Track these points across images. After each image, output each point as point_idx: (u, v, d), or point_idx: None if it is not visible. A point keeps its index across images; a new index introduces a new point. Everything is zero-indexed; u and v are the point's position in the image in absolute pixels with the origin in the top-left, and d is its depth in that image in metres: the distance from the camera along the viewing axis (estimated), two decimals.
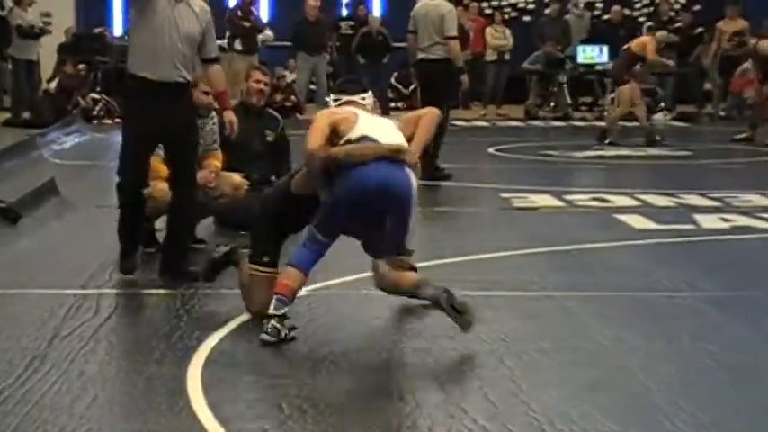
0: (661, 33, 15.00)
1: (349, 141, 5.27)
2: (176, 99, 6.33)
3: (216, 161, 7.43)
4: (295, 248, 5.33)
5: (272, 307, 5.14)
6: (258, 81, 8.32)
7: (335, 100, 5.60)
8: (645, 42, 14.39)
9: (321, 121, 5.37)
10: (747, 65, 15.98)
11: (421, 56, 11.04)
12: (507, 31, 19.18)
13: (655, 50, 14.30)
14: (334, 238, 5.28)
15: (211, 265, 5.96)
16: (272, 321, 5.11)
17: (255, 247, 5.63)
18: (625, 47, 14.64)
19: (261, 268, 5.53)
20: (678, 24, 18.90)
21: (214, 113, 7.53)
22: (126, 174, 6.42)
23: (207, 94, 7.26)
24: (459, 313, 5.13)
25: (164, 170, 7.18)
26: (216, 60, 6.60)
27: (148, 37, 6.23)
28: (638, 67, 14.43)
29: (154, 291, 6.29)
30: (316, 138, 5.28)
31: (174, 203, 6.53)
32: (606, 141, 14.35)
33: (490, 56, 19.12)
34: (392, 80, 20.21)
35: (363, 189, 5.13)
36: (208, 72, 6.63)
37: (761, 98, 14.75)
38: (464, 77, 11.11)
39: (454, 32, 10.95)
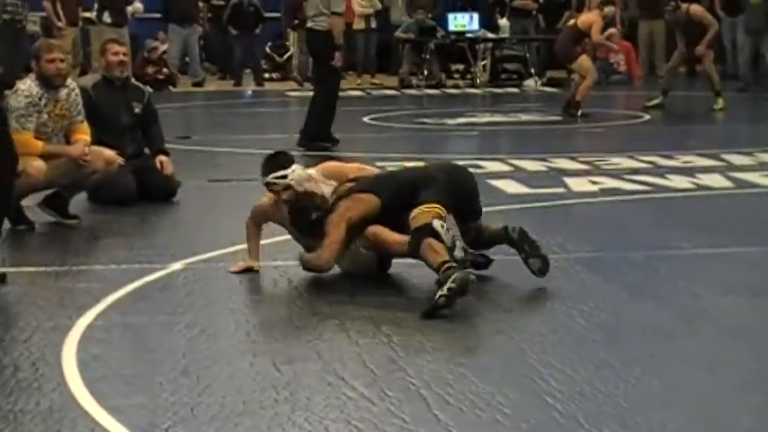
0: (609, 9, 14.01)
1: None
2: None
3: (85, 135, 7.30)
4: None
5: None
6: (116, 53, 8.21)
7: (280, 177, 5.81)
8: (591, 21, 13.55)
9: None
10: (613, 30, 16.26)
11: (309, 24, 11.07)
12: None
13: (600, 30, 13.60)
14: None
15: None
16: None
17: None
18: (568, 23, 14.12)
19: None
20: None
21: (72, 83, 7.40)
22: None
23: (53, 61, 7.12)
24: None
25: (37, 146, 7.05)
26: None
27: None
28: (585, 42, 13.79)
29: (25, 268, 6.18)
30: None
31: None
32: (579, 113, 13.51)
33: (357, 24, 19.16)
34: (267, 49, 20.10)
35: None
36: None
37: (677, 65, 14.75)
38: (338, 55, 11.04)
39: (340, 9, 10.90)
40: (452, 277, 5.05)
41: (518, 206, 7.86)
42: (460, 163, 9.72)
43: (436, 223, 5.32)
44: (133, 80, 8.62)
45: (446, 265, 5.14)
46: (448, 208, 5.47)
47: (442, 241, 5.25)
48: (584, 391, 4.08)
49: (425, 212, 5.36)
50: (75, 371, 4.35)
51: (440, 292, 5.07)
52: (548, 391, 4.07)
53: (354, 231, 5.58)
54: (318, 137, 11.08)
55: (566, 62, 14.42)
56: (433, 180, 5.58)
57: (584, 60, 13.79)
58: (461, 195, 5.64)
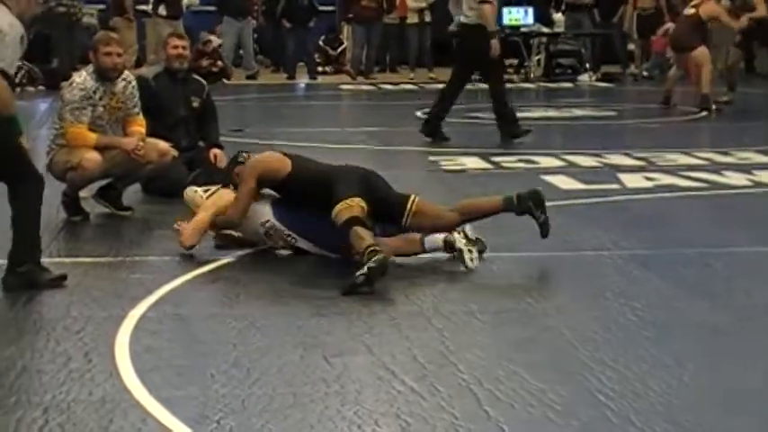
0: None
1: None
2: None
3: (140, 127, 7.35)
4: None
5: None
6: (175, 46, 8.27)
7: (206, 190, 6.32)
8: (715, 11, 13.39)
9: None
10: (669, 24, 16.11)
11: (462, 20, 10.91)
12: None
13: (727, 17, 13.46)
14: None
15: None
16: None
17: None
18: (687, 12, 13.75)
19: None
20: None
21: (129, 76, 7.44)
22: None
23: (109, 54, 7.16)
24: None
25: (91, 138, 7.10)
26: None
27: None
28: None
29: (81, 259, 6.24)
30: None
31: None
32: (713, 107, 13.32)
33: (411, 18, 19.12)
34: (320, 43, 20.13)
35: None
36: None
37: (737, 60, 14.51)
38: (494, 42, 10.88)
39: None
40: (374, 258, 5.31)
41: (571, 202, 7.81)
42: (512, 158, 9.77)
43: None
44: (194, 75, 8.66)
45: (370, 249, 5.40)
46: (369, 203, 5.70)
47: (368, 229, 5.56)
48: (636, 390, 4.05)
49: (349, 207, 5.63)
50: (127, 362, 4.38)
51: (360, 272, 5.31)
52: (599, 389, 4.04)
53: (263, 186, 5.99)
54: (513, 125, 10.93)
55: (685, 51, 13.92)
56: (346, 175, 5.89)
57: (704, 50, 13.54)
58: (372, 197, 5.78)
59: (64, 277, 5.55)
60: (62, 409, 3.88)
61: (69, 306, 5.20)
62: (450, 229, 5.91)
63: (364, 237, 5.51)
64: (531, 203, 5.92)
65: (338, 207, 5.64)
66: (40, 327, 4.99)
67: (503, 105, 11.06)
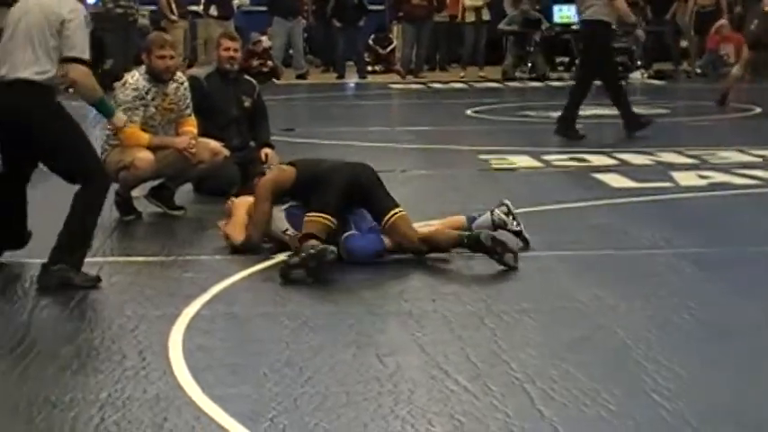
0: None
1: None
2: None
3: (192, 127, 7.39)
4: None
5: None
6: (227, 48, 8.32)
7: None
8: None
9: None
10: (723, 21, 15.96)
11: (584, 16, 10.86)
12: None
13: None
14: None
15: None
16: None
17: None
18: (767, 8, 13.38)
19: None
20: None
21: (182, 77, 7.49)
22: None
23: (162, 57, 7.21)
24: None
25: (144, 138, 7.16)
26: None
27: None
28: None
29: (134, 258, 6.28)
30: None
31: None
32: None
33: (468, 17, 19.07)
34: (370, 42, 20.16)
35: None
36: None
37: None
38: (638, 32, 10.71)
39: None
40: (316, 247, 5.54)
41: (624, 200, 7.76)
42: (563, 157, 9.73)
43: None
44: (245, 75, 8.70)
45: (315, 242, 5.62)
46: (339, 213, 5.90)
47: (321, 241, 5.71)
48: (691, 389, 4.01)
49: (312, 222, 5.83)
50: (180, 360, 4.40)
51: (297, 254, 5.58)
52: (654, 389, 4.00)
53: (279, 199, 6.17)
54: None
55: (753, 48, 13.74)
56: (331, 182, 5.98)
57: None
58: (355, 193, 6.00)
59: (98, 279, 5.58)
60: (117, 407, 3.91)
61: (123, 305, 5.24)
62: (411, 250, 6.02)
63: (312, 243, 5.66)
64: (483, 243, 5.84)
65: (306, 218, 5.87)
66: (95, 325, 5.04)
67: (621, 97, 10.93)
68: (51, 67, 5.52)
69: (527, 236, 6.25)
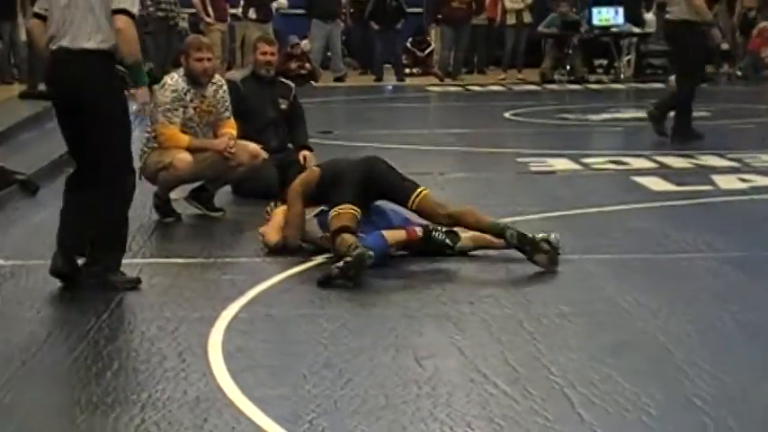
0: None
1: None
2: None
3: (231, 129, 7.42)
4: None
5: None
6: (264, 53, 8.34)
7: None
8: None
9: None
10: (765, 24, 15.83)
11: (667, 16, 10.69)
12: None
13: None
14: None
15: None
16: None
17: None
18: None
19: None
20: None
21: (220, 80, 7.51)
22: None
23: (200, 60, 7.23)
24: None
25: (183, 139, 7.19)
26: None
27: None
28: None
29: (173, 260, 6.31)
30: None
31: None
32: None
33: (509, 19, 19.01)
34: (408, 44, 20.15)
35: None
36: None
37: None
38: (714, 32, 10.55)
39: None
40: (353, 253, 5.55)
41: (664, 203, 7.71)
42: (602, 160, 9.67)
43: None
44: (281, 78, 8.72)
45: (351, 247, 5.63)
46: (362, 203, 6.00)
47: (354, 234, 5.80)
48: (733, 395, 3.97)
49: (338, 215, 5.90)
50: (220, 361, 4.41)
51: (337, 264, 5.55)
52: (696, 394, 3.97)
53: (310, 201, 6.26)
54: (691, 134, 10.60)
55: None
56: (348, 176, 6.12)
57: None
58: (372, 185, 6.12)
59: (138, 280, 5.57)
60: (158, 408, 3.92)
61: (162, 306, 5.26)
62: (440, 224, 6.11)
63: (348, 239, 5.72)
64: (518, 242, 5.88)
65: (332, 213, 5.94)
66: (135, 326, 5.06)
67: (685, 105, 10.67)
68: (113, 33, 5.37)
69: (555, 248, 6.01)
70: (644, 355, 4.53)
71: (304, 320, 5.05)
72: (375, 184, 6.15)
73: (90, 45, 5.40)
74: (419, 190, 6.12)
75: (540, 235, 5.90)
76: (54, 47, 5.46)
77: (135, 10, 5.45)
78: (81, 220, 5.57)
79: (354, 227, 5.88)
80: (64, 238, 5.54)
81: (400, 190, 6.15)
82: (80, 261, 5.60)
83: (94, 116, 5.42)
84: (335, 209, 5.96)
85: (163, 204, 7.29)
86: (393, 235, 6.03)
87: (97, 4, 5.40)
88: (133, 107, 5.77)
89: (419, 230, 6.09)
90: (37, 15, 5.61)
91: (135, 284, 5.56)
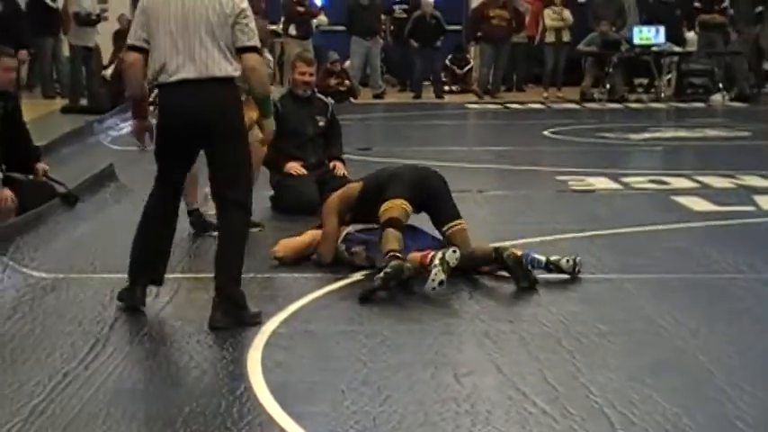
0: None
1: None
2: None
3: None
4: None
5: None
6: (303, 73, 8.39)
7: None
8: None
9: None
10: None
11: None
12: (566, 12, 18.99)
13: None
14: None
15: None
16: None
17: None
18: None
19: None
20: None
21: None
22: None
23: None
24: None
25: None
26: None
27: None
28: None
29: (212, 275, 6.31)
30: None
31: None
32: None
33: (549, 37, 19.00)
34: (447, 62, 20.17)
35: None
36: None
37: None
38: None
39: None
40: (390, 264, 5.63)
41: (704, 224, 7.66)
42: (642, 179, 9.64)
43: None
44: (318, 95, 8.75)
45: (390, 254, 5.73)
46: (413, 203, 6.06)
47: (400, 230, 5.88)
48: None
49: (391, 208, 5.99)
50: (259, 376, 4.43)
51: (377, 276, 5.63)
52: (738, 415, 3.94)
53: (345, 216, 6.35)
54: None
55: None
56: (403, 174, 6.22)
57: None
58: (424, 192, 6.15)
59: (260, 314, 5.31)
60: (199, 423, 3.94)
61: (202, 321, 5.28)
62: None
63: (390, 240, 5.83)
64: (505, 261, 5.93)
65: (383, 206, 6.01)
66: (174, 341, 5.09)
67: None
68: (235, 60, 5.23)
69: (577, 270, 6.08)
70: (684, 375, 4.51)
71: (343, 337, 5.06)
72: (427, 194, 6.19)
73: (222, 73, 5.19)
74: (459, 221, 6.15)
75: (553, 257, 6.03)
76: (174, 78, 5.20)
77: (259, 45, 5.35)
78: (167, 252, 5.58)
79: (404, 220, 5.97)
80: (146, 270, 5.48)
81: (444, 211, 6.18)
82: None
83: (233, 145, 5.28)
84: (388, 202, 6.03)
85: (197, 219, 7.33)
86: (413, 256, 5.96)
87: (217, 33, 5.17)
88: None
89: (435, 257, 5.88)
90: (135, 48, 5.28)
91: (259, 319, 5.24)
